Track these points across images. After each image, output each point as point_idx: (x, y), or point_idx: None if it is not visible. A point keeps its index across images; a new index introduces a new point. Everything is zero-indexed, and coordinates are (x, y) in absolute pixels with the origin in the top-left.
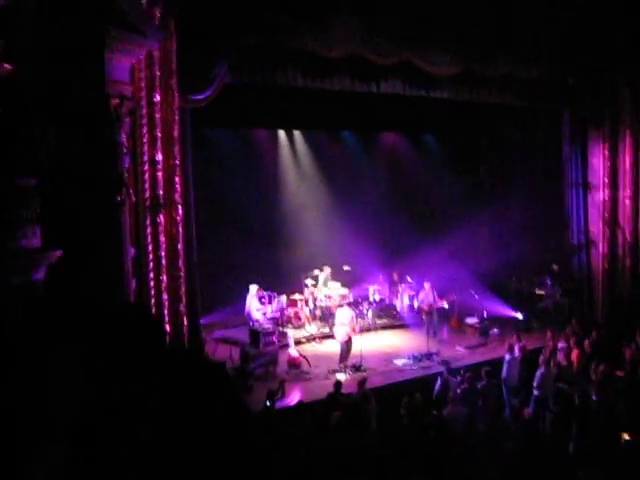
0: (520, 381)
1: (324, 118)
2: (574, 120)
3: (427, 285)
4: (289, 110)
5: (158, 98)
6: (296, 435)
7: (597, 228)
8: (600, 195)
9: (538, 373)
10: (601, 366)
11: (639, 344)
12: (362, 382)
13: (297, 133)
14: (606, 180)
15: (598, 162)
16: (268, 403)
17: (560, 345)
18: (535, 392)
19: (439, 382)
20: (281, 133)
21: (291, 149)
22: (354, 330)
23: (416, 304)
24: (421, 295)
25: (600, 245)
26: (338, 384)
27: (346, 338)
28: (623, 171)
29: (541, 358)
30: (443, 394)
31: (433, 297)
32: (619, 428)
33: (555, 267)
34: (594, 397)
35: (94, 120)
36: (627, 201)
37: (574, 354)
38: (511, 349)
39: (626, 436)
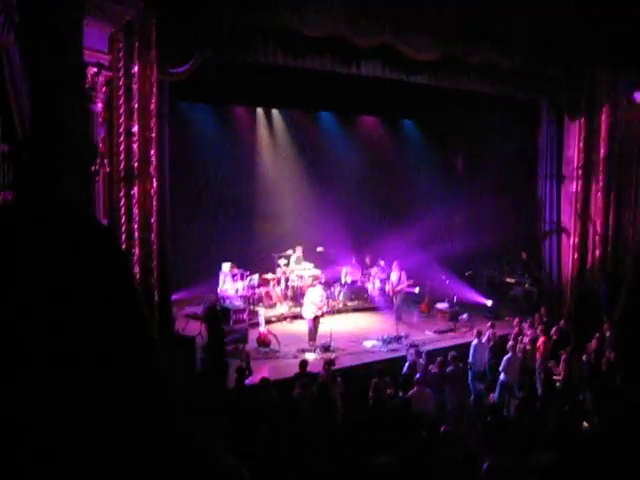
0: (488, 366)
1: (303, 98)
2: (551, 111)
3: (395, 265)
4: (268, 88)
5: (136, 69)
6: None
7: (569, 219)
8: (573, 187)
9: (505, 358)
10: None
11: (605, 335)
12: (329, 362)
13: (275, 112)
14: (580, 172)
15: (573, 154)
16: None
17: (527, 332)
18: (501, 377)
19: (407, 364)
20: (259, 111)
21: (269, 127)
22: (322, 309)
23: (387, 287)
24: (392, 276)
25: (571, 236)
26: (304, 363)
27: (313, 316)
28: (597, 164)
29: (509, 344)
30: (410, 376)
31: (399, 277)
32: (581, 415)
33: (524, 255)
34: (558, 384)
35: (70, 88)
36: (599, 194)
37: (540, 341)
38: (479, 334)
39: (586, 424)
